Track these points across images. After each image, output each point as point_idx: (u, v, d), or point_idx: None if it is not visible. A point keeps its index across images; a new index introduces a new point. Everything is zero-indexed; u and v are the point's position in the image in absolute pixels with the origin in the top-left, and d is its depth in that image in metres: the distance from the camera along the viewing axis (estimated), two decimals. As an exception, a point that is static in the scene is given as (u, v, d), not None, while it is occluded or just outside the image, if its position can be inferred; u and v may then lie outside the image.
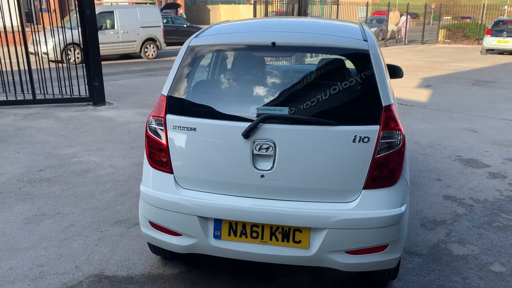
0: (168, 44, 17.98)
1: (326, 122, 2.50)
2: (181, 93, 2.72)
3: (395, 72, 4.63)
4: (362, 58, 2.62)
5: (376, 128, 2.49)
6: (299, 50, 2.70)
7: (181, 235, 2.70)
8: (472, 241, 3.54)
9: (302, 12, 10.28)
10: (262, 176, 2.55)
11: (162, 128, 2.69)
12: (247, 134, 2.52)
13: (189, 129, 2.63)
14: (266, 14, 17.13)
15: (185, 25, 21.89)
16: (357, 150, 2.49)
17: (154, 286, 2.93)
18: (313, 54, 2.69)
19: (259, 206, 2.55)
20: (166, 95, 2.74)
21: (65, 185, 4.54)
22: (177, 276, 3.03)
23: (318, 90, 2.60)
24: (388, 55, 16.93)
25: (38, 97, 8.02)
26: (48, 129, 6.66)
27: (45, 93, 8.06)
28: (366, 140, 2.49)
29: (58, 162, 5.23)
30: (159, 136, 2.70)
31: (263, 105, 2.57)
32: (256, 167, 2.55)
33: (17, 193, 4.35)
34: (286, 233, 2.57)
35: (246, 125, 2.51)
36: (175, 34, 20.57)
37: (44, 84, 7.99)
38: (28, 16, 10.61)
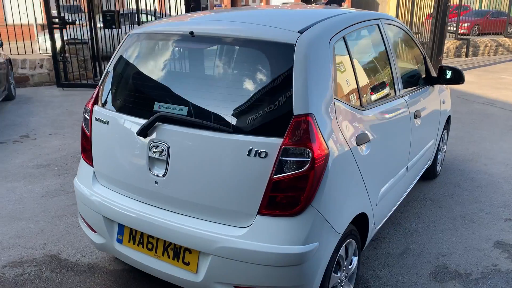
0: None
1: (220, 128, 2.08)
2: (107, 84, 2.59)
3: (452, 76, 3.70)
4: (283, 54, 2.10)
5: (278, 141, 1.98)
6: (218, 41, 2.28)
7: (96, 232, 2.59)
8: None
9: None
10: (156, 182, 2.27)
11: (88, 118, 2.60)
12: (141, 133, 2.26)
13: (103, 122, 2.49)
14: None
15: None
16: (252, 166, 2.02)
17: (88, 277, 2.88)
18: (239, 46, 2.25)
19: (152, 216, 2.28)
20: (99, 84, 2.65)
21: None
22: (116, 273, 2.93)
23: (225, 89, 2.17)
24: None
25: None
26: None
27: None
28: (263, 155, 2.00)
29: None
30: (87, 127, 2.61)
31: (168, 102, 2.26)
32: (151, 171, 2.27)
33: (60, 168, 4.78)
34: (177, 251, 2.25)
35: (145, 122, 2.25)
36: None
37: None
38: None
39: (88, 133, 2.59)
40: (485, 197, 4.10)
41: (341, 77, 2.35)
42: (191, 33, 2.30)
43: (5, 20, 11.06)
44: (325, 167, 2.03)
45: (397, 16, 14.17)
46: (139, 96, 2.41)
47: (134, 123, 2.32)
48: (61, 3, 8.85)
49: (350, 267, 2.51)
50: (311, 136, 1.99)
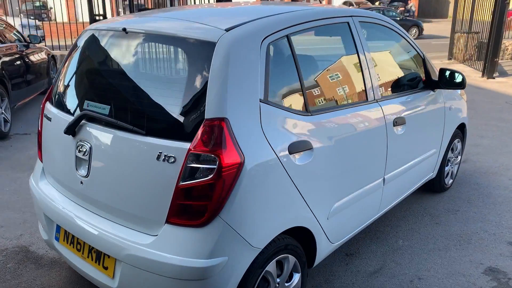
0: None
1: (133, 129, 2.00)
2: (58, 80, 2.59)
3: (452, 80, 3.35)
4: (203, 53, 1.97)
5: (186, 146, 1.86)
6: (148, 39, 2.18)
7: (43, 227, 2.61)
8: None
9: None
10: (82, 182, 2.23)
11: (40, 114, 2.63)
12: (68, 132, 2.24)
13: (48, 118, 2.50)
14: None
15: (398, 18, 20.48)
16: (161, 171, 1.92)
17: (46, 271, 2.92)
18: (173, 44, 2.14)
19: (77, 217, 2.25)
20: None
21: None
22: (73, 270, 2.94)
23: (145, 88, 2.08)
24: None
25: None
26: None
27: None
28: (172, 160, 1.89)
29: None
30: (40, 123, 2.64)
31: (95, 101, 2.21)
32: (77, 171, 2.24)
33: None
34: (99, 254, 2.20)
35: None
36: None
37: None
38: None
39: (40, 129, 2.62)
40: (494, 216, 3.68)
41: (279, 80, 2.18)
42: (124, 29, 2.24)
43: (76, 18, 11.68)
44: (238, 176, 1.88)
45: (455, 14, 13.32)
46: (74, 93, 2.39)
47: (67, 121, 2.29)
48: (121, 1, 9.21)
49: (288, 284, 2.32)
50: (221, 142, 1.84)
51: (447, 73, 3.36)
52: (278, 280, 2.24)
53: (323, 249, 2.52)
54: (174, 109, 1.94)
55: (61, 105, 2.43)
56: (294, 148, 2.14)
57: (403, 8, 27.88)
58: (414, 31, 20.88)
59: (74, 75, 2.43)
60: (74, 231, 2.25)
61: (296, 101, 2.25)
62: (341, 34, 2.67)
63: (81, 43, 2.52)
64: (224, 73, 1.91)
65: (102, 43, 2.35)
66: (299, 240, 2.39)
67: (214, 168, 1.83)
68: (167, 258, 1.88)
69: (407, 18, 21.60)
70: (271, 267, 2.16)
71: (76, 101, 2.33)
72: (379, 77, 2.89)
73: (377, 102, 2.78)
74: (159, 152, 1.92)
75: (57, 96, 2.51)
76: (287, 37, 2.24)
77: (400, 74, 3.25)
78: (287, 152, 2.10)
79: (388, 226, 3.50)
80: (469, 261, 3.06)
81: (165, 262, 1.88)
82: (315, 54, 2.52)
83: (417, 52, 3.38)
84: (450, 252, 3.15)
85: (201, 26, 2.09)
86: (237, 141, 1.89)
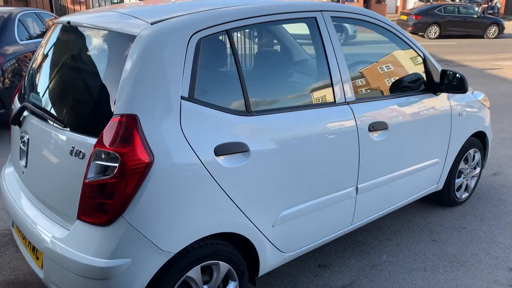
0: (450, 36, 16.41)
1: (55, 123, 2.01)
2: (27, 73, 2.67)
3: (452, 83, 3.02)
4: (123, 46, 1.94)
5: (93, 142, 1.83)
6: (85, 32, 2.16)
7: None
8: None
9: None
10: (23, 172, 2.29)
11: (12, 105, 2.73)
12: (13, 122, 2.31)
13: (12, 109, 2.59)
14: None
15: (475, 15, 19.04)
16: (73, 166, 1.92)
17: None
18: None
19: (17, 205, 2.31)
20: None
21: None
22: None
23: (71, 81, 2.09)
24: None
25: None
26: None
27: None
28: (81, 155, 1.87)
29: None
30: (11, 113, 2.75)
31: (36, 93, 2.26)
32: (21, 161, 2.30)
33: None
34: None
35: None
36: (459, 26, 18.43)
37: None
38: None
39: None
40: (505, 238, 3.27)
41: (211, 77, 2.07)
42: (68, 22, 2.25)
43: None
44: (144, 176, 1.81)
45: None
46: (26, 85, 2.44)
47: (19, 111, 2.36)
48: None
49: (220, 292, 2.22)
50: (127, 139, 1.78)
51: (449, 74, 3.03)
52: (205, 287, 2.14)
53: (271, 258, 2.37)
54: (89, 104, 1.92)
55: (19, 97, 2.51)
56: (223, 149, 2.03)
57: (486, 5, 25.88)
58: (493, 29, 19.33)
59: (31, 68, 2.50)
60: (15, 218, 2.31)
61: (234, 100, 2.13)
62: (305, 30, 2.48)
63: (46, 35, 2.58)
64: (138, 68, 1.85)
65: (54, 36, 2.39)
66: (240, 246, 2.27)
67: (116, 166, 1.78)
68: (73, 254, 1.87)
69: (487, 15, 20.02)
70: (194, 273, 2.06)
71: (25, 93, 2.40)
72: (356, 78, 2.66)
73: (347, 104, 2.56)
74: (72, 147, 1.91)
75: (21, 88, 2.59)
76: (227, 32, 2.12)
77: (388, 75, 2.98)
78: (212, 154, 1.99)
79: (377, 239, 3.24)
80: (454, 286, 2.74)
81: (71, 258, 1.87)
82: (268, 51, 2.37)
83: (416, 52, 3.07)
84: (436, 274, 2.85)
85: (131, 20, 2.04)
86: (146, 139, 1.82)
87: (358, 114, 2.59)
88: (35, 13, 6.85)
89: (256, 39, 2.35)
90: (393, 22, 2.94)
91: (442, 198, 3.65)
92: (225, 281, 2.26)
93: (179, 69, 1.93)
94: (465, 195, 3.79)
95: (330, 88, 2.51)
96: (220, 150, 2.02)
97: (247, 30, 2.22)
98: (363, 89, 2.76)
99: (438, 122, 3.16)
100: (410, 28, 18.89)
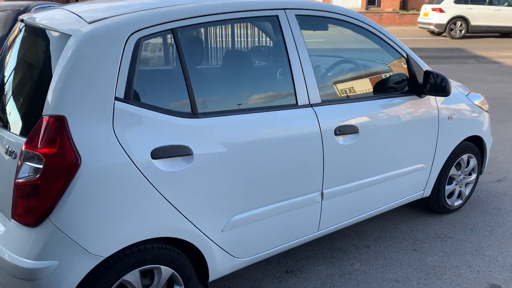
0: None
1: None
2: None
3: (433, 85, 2.85)
4: (59, 46, 1.93)
5: (22, 141, 1.83)
6: (31, 31, 2.15)
7: None
8: None
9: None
10: None
11: None
12: None
13: None
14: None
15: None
16: (9, 165, 1.93)
17: None
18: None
19: None
20: None
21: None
22: None
23: (14, 82, 2.09)
24: None
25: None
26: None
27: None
28: (14, 155, 1.88)
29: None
30: None
31: None
32: None
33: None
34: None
35: None
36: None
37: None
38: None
39: None
40: (493, 250, 3.07)
41: (152, 78, 2.03)
42: (22, 20, 2.25)
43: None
44: (71, 178, 1.79)
45: None
46: None
47: None
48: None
49: (164, 297, 2.18)
50: (52, 141, 1.77)
51: (432, 76, 2.85)
52: (144, 291, 2.11)
53: (222, 263, 2.32)
54: (24, 104, 1.92)
55: None
56: (162, 153, 1.98)
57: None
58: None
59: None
60: None
61: (177, 102, 2.08)
62: (266, 29, 2.39)
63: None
64: (69, 68, 1.82)
65: (12, 35, 2.40)
66: (189, 250, 2.23)
67: (41, 168, 1.76)
68: (5, 253, 1.88)
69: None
70: (132, 276, 2.03)
71: None
72: (327, 80, 2.55)
73: (311, 107, 2.46)
74: (7, 147, 1.92)
75: None
76: (173, 31, 2.06)
77: (365, 76, 2.84)
78: (149, 157, 1.95)
79: (354, 246, 3.12)
80: (424, 300, 2.60)
81: (3, 257, 1.88)
82: (225, 51, 2.29)
83: (398, 51, 2.91)
84: (407, 286, 2.71)
85: (74, 19, 2.02)
86: (73, 141, 1.80)
87: (323, 117, 2.48)
88: (51, 6, 7.01)
89: (212, 38, 2.28)
90: (372, 20, 2.79)
91: (432, 205, 3.47)
92: (172, 284, 2.22)
93: (114, 69, 1.90)
94: (458, 202, 3.59)
95: (292, 90, 2.41)
96: (158, 153, 1.97)
97: (202, 29, 2.15)
98: (334, 91, 2.64)
99: (422, 125, 2.99)
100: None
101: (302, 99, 2.43)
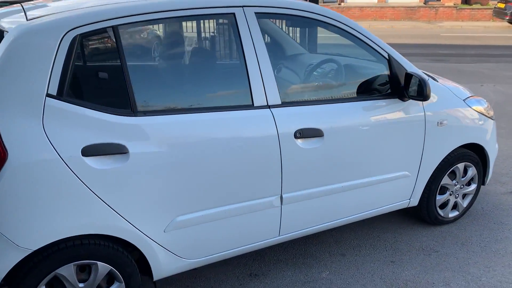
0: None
1: None
2: None
3: (413, 88, 2.66)
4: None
5: None
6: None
7: None
8: None
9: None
10: None
11: None
12: None
13: None
14: None
15: None
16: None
17: None
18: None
19: None
20: None
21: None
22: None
23: None
24: None
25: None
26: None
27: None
28: None
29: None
30: None
31: None
32: None
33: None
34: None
35: None
36: None
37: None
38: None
39: None
40: (479, 268, 2.83)
41: (88, 75, 2.03)
42: None
43: None
44: None
45: None
46: None
47: None
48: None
49: (100, 293, 2.20)
50: None
51: (412, 78, 2.66)
52: (81, 285, 2.14)
53: (167, 263, 2.30)
54: None
55: None
56: (94, 150, 1.99)
57: None
58: None
59: None
60: None
61: (115, 100, 2.07)
62: (221, 27, 2.32)
63: None
64: (0, 63, 1.86)
65: None
66: (133, 248, 2.23)
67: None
68: None
69: None
70: (66, 270, 2.07)
71: None
72: (291, 81, 2.45)
73: (269, 108, 2.37)
74: None
75: None
76: (113, 29, 2.05)
77: (342, 77, 2.69)
78: (79, 154, 1.96)
79: (328, 253, 3.00)
80: (385, 316, 2.45)
81: None
82: (173, 49, 2.26)
83: (377, 51, 2.73)
84: (371, 300, 2.57)
85: (19, 16, 2.06)
86: (0, 136, 1.84)
87: (282, 119, 2.39)
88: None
89: (162, 36, 2.25)
90: (347, 18, 2.64)
91: (422, 215, 3.26)
92: (112, 280, 2.24)
93: (47, 66, 1.92)
94: (454, 214, 3.35)
95: (248, 91, 2.34)
96: (90, 151, 1.98)
97: (151, 27, 2.13)
98: (301, 92, 2.54)
99: (404, 131, 2.81)
100: (507, 18, 17.10)
101: (259, 100, 2.35)
